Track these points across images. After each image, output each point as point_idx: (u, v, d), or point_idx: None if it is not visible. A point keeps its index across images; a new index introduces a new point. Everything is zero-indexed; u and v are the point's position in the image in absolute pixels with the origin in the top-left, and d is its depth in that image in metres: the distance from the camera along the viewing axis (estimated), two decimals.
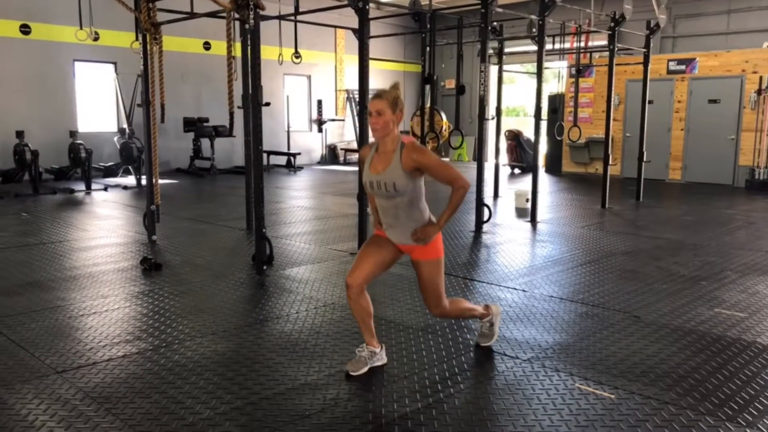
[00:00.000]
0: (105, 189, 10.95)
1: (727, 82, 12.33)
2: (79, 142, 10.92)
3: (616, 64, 9.55)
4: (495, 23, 9.87)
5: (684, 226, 7.88)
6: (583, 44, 12.38)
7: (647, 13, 11.71)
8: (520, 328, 4.04)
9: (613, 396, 3.06)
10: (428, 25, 8.73)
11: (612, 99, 9.40)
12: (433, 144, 9.24)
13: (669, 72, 13.00)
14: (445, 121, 15.90)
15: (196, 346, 3.69)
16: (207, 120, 13.91)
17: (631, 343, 3.78)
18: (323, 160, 17.32)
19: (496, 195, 10.48)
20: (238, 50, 5.65)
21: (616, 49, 9.30)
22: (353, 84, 16.85)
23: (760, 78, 11.81)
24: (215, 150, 13.89)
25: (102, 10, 9.65)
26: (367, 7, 5.94)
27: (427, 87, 9.23)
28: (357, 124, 16.18)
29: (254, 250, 5.56)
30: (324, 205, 9.87)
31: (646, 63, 9.89)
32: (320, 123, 16.95)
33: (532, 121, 8.29)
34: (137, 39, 6.64)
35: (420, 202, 3.19)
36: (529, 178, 10.80)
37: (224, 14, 5.37)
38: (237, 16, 5.32)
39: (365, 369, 3.29)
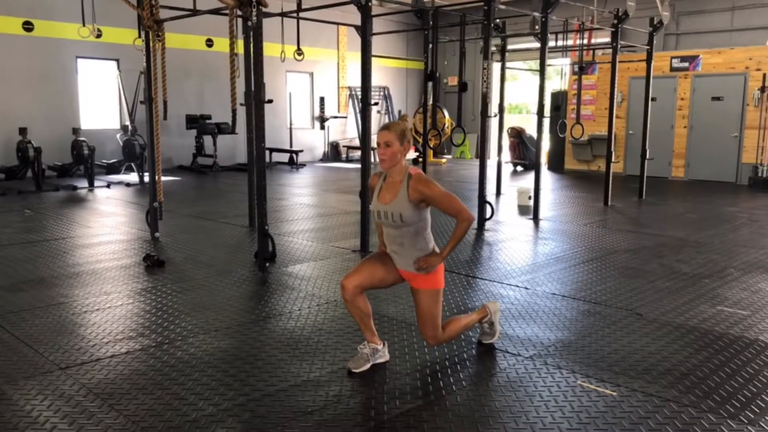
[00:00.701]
0: (108, 186, 10.97)
1: (730, 79, 12.29)
2: (81, 139, 10.94)
3: (619, 62, 9.53)
4: (498, 20, 9.86)
5: (687, 224, 7.87)
6: (586, 41, 12.34)
7: (650, 10, 11.69)
8: (522, 326, 4.04)
9: (614, 393, 3.06)
10: (431, 22, 8.72)
11: (615, 96, 9.39)
12: (436, 141, 9.24)
13: (672, 69, 12.97)
14: (447, 118, 15.92)
15: (198, 343, 3.70)
16: (209, 117, 13.92)
17: (634, 340, 3.78)
18: (325, 158, 17.32)
19: (498, 192, 10.48)
20: (240, 47, 5.65)
21: (619, 46, 9.28)
22: (356, 81, 16.85)
23: (764, 75, 11.77)
24: (217, 147, 13.90)
25: (104, 7, 9.66)
26: (370, 4, 5.93)
27: (430, 84, 9.23)
28: (359, 122, 16.18)
29: (257, 247, 5.57)
30: (326, 202, 9.87)
31: (649, 60, 9.87)
32: (322, 120, 16.94)
33: (535, 118, 8.29)
34: (140, 36, 6.64)
35: (425, 232, 3.24)
36: (531, 175, 10.79)
37: (227, 11, 5.37)
38: (240, 13, 5.32)
39: (367, 366, 3.30)
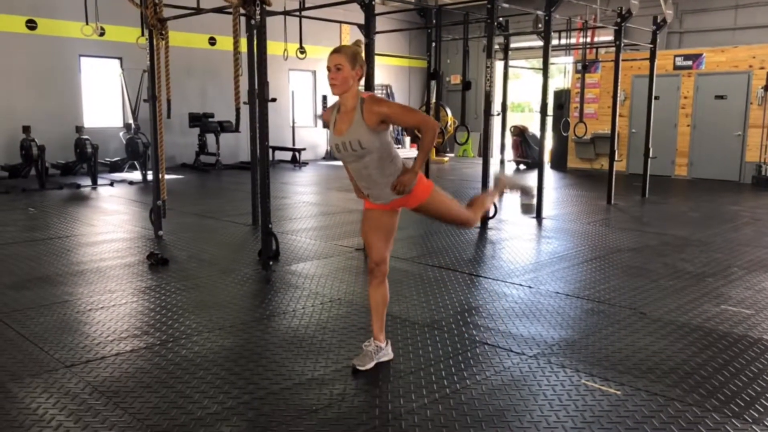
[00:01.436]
0: (111, 184, 10.99)
1: (734, 77, 12.27)
2: (85, 137, 10.96)
3: (623, 60, 9.51)
4: (501, 19, 9.84)
5: (690, 223, 7.86)
6: (589, 40, 12.32)
7: (654, 9, 11.65)
8: (525, 324, 4.04)
9: (619, 392, 3.06)
10: (434, 21, 8.71)
11: (618, 95, 9.37)
12: (439, 140, 9.24)
13: (675, 68, 12.95)
14: (450, 116, 15.92)
15: (203, 341, 3.71)
16: (212, 115, 13.93)
17: (637, 339, 3.78)
18: (328, 156, 17.32)
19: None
20: (243, 46, 5.65)
21: (623, 44, 9.26)
22: None
23: (767, 74, 11.76)
24: (220, 145, 13.91)
25: (108, 5, 9.67)
26: (373, 2, 5.94)
27: (433, 82, 9.22)
28: None
29: (260, 245, 5.57)
30: (329, 200, 9.88)
31: (652, 59, 9.85)
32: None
33: (538, 116, 8.27)
34: (143, 34, 6.64)
35: (390, 156, 3.12)
36: (534, 173, 10.78)
37: (230, 10, 5.38)
38: (243, 11, 5.32)
39: (372, 364, 3.30)
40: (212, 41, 14.45)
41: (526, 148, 15.01)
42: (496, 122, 11.66)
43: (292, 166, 14.95)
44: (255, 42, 5.37)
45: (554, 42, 9.62)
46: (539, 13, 8.22)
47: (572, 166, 14.75)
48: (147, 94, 6.63)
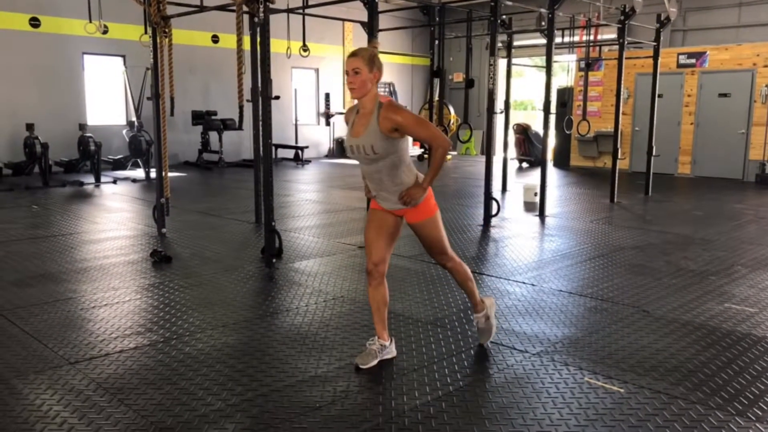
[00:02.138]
0: (114, 182, 11.01)
1: (737, 75, 12.24)
2: (88, 135, 10.98)
3: (626, 58, 9.49)
4: (504, 16, 9.83)
5: (693, 221, 7.85)
6: (592, 37, 12.30)
7: (657, 6, 11.62)
8: (529, 322, 4.04)
9: (622, 390, 3.06)
10: (437, 18, 8.70)
11: (621, 93, 9.35)
12: None
13: (679, 66, 12.92)
14: (453, 114, 15.90)
15: (206, 338, 3.71)
16: (215, 113, 13.94)
17: (641, 337, 3.78)
18: (331, 154, 17.32)
19: (504, 189, 10.46)
20: (247, 43, 5.65)
21: (626, 42, 9.24)
22: None
23: None
24: (223, 143, 13.93)
25: (111, 3, 9.66)
26: (376, 0, 5.93)
27: (436, 80, 9.22)
28: None
29: (263, 243, 5.58)
30: (332, 198, 9.88)
31: (655, 56, 9.83)
32: (328, 116, 16.95)
33: (541, 114, 8.26)
34: (146, 32, 6.65)
35: (402, 164, 3.13)
36: (537, 172, 10.77)
37: (233, 7, 5.38)
38: (246, 9, 5.32)
39: (375, 362, 3.30)
40: (215, 39, 14.46)
41: (529, 146, 14.99)
42: (499, 120, 11.64)
43: (294, 164, 14.95)
44: (258, 39, 5.37)
45: (557, 40, 9.61)
46: (542, 10, 8.21)
47: (575, 164, 14.73)
48: (150, 91, 6.63)
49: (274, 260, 5.50)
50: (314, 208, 8.81)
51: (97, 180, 10.84)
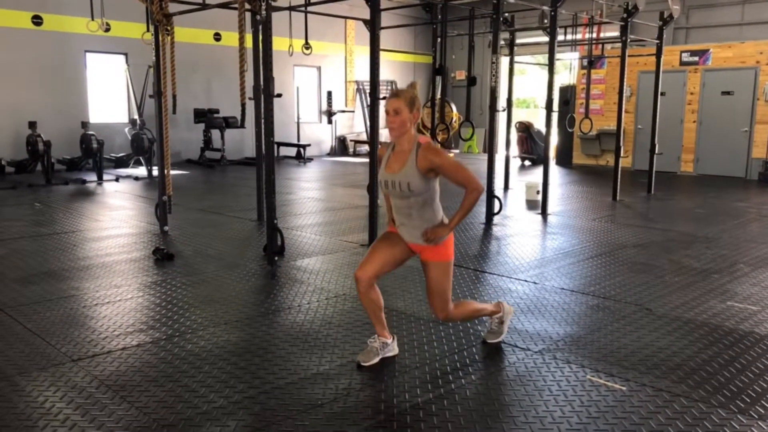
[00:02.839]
0: (116, 180, 11.02)
1: (740, 73, 12.21)
2: (90, 132, 10.99)
3: (629, 56, 9.48)
4: (507, 14, 9.81)
5: (696, 219, 7.84)
6: (595, 35, 12.27)
7: (660, 4, 11.58)
8: (531, 320, 4.04)
9: (624, 388, 3.06)
10: (439, 16, 8.69)
11: (624, 91, 9.34)
12: (444, 135, 9.22)
13: (682, 63, 12.89)
14: (455, 112, 15.87)
15: (208, 336, 3.72)
16: (217, 111, 13.95)
17: (643, 335, 3.78)
18: (333, 152, 17.32)
19: (506, 187, 10.46)
20: (249, 41, 5.65)
21: (629, 40, 9.22)
22: (363, 75, 16.82)
23: None
24: (225, 141, 13.93)
25: (113, 1, 9.64)
26: None
27: (438, 78, 9.20)
28: (367, 116, 16.17)
29: (266, 241, 5.59)
30: (334, 196, 9.89)
31: (658, 54, 9.81)
32: (330, 114, 16.94)
33: (543, 112, 8.26)
34: (149, 30, 6.65)
35: (434, 202, 3.19)
36: (539, 170, 10.76)
37: (236, 5, 5.38)
38: (249, 7, 5.32)
39: (377, 360, 3.31)
40: (217, 37, 14.46)
41: (531, 144, 14.98)
42: (502, 118, 11.62)
43: (296, 162, 14.96)
44: (260, 37, 5.37)
45: (560, 38, 9.60)
46: (545, 8, 8.20)
47: (577, 162, 14.71)
48: (152, 89, 6.63)
49: (276, 258, 5.50)
50: (316, 206, 8.82)
51: (100, 178, 10.86)
